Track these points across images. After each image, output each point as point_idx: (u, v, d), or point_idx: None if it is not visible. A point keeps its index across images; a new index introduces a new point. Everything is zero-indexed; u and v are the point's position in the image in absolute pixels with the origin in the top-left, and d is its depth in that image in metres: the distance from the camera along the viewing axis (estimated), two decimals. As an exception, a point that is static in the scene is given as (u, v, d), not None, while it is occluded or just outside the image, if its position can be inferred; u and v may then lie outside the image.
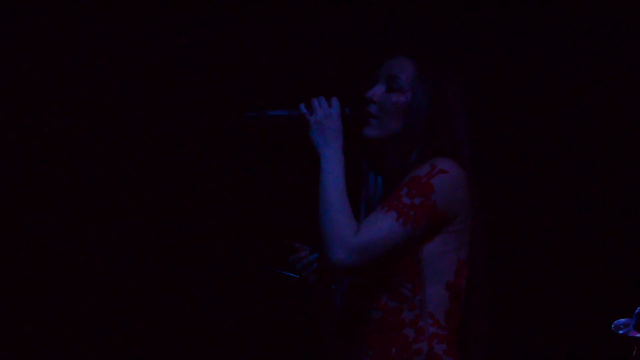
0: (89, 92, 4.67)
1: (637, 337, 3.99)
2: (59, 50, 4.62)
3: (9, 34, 4.57)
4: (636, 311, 4.03)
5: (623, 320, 4.05)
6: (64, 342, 4.67)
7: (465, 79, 2.64)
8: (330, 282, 2.75)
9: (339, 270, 2.45)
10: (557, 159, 4.76)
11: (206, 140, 4.76)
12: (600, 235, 4.72)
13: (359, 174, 2.69)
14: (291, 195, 4.62)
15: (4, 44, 4.57)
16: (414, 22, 4.60)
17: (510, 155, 4.74)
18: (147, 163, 4.75)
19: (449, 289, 2.50)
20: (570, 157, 4.75)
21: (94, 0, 4.63)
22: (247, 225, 4.75)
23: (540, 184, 4.77)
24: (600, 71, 4.66)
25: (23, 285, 4.64)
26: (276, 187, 4.75)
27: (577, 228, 4.74)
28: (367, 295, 2.53)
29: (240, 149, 4.74)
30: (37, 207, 4.66)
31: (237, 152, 4.76)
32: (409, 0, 4.67)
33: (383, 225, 2.43)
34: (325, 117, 2.57)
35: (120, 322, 4.73)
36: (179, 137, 4.76)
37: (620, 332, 4.03)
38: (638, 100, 4.64)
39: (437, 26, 4.55)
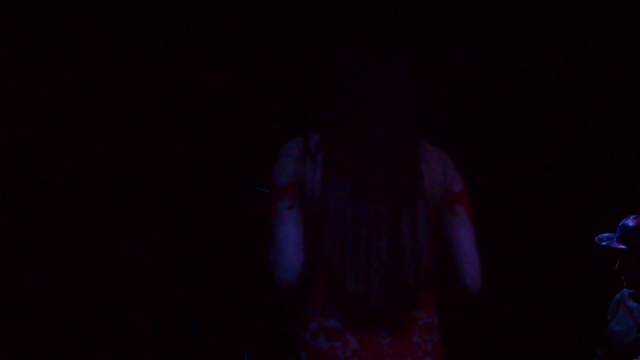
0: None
1: (620, 249, 4.12)
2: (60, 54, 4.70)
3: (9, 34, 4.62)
4: (620, 224, 4.17)
5: (607, 234, 4.18)
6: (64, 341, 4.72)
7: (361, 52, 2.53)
8: None
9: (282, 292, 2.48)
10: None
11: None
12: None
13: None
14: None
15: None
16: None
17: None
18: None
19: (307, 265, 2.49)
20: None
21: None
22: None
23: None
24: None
25: (23, 285, 4.69)
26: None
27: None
28: None
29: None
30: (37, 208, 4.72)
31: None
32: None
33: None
34: None
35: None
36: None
37: (604, 243, 4.16)
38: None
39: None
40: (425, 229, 2.45)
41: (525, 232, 5.17)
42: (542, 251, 5.15)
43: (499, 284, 4.97)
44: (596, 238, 4.19)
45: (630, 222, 4.13)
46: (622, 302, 4.23)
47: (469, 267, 2.52)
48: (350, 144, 2.45)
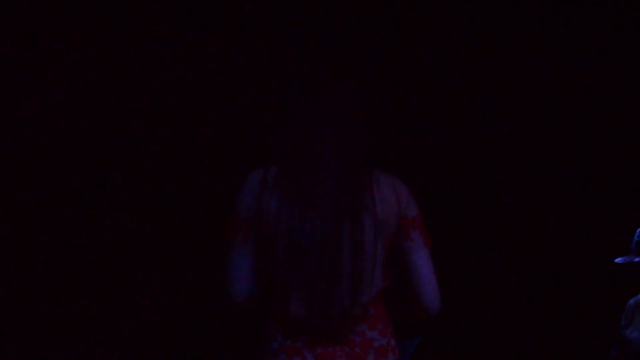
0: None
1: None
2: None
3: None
4: (634, 239, 4.18)
5: (621, 258, 4.20)
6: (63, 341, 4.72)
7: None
8: None
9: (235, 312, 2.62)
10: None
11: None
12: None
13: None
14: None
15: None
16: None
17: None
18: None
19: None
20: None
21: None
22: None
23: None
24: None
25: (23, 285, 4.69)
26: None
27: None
28: None
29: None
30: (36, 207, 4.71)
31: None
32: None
33: None
34: None
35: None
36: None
37: (622, 261, 4.17)
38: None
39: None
40: (373, 252, 2.56)
41: (537, 236, 5.13)
42: (553, 253, 5.13)
43: (513, 289, 4.92)
44: (615, 261, 4.19)
45: (642, 233, 4.15)
46: (638, 310, 4.22)
47: (428, 290, 2.63)
48: (301, 174, 2.57)
